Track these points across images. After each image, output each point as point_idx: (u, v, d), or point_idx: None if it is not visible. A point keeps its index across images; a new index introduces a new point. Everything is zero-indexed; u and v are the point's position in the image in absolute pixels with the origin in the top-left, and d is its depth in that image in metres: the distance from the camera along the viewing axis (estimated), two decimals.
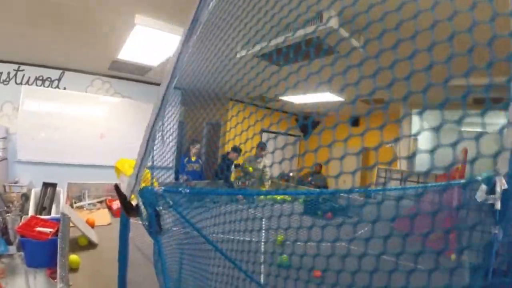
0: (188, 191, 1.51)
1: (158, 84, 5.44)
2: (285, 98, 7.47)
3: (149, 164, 1.62)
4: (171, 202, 1.50)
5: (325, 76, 1.27)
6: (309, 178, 8.82)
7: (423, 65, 0.95)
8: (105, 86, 7.89)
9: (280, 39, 3.09)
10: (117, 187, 1.75)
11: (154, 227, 1.51)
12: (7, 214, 3.37)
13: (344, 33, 3.64)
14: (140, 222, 1.62)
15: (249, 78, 1.64)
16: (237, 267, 2.31)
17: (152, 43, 4.83)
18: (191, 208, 1.90)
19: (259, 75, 1.54)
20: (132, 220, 2.02)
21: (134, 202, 1.60)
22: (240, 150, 6.34)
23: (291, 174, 8.96)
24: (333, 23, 3.37)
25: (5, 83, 6.81)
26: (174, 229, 1.82)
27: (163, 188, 1.49)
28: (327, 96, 6.83)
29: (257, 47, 1.25)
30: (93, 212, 4.95)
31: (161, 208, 1.50)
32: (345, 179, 1.36)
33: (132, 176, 1.57)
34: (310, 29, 3.59)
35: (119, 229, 2.13)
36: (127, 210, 1.65)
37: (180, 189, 1.54)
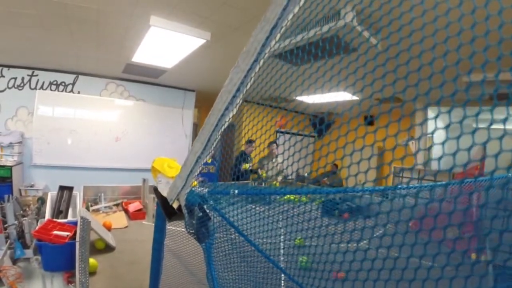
0: (236, 191, 1.46)
1: (172, 87, 5.41)
2: (300, 98, 7.40)
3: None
4: (212, 203, 1.47)
5: (342, 74, 1.27)
6: (325, 179, 8.72)
7: (437, 62, 0.94)
8: (119, 90, 7.85)
9: (298, 38, 3.03)
10: (156, 190, 1.69)
11: (202, 232, 1.46)
12: (24, 218, 3.28)
13: (360, 29, 3.55)
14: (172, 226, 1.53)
15: (264, 78, 1.54)
16: (278, 268, 2.24)
17: (166, 44, 4.80)
18: (234, 210, 1.81)
19: (275, 75, 1.49)
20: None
21: (175, 206, 1.55)
22: (253, 141, 6.28)
23: (306, 174, 8.86)
24: (350, 20, 3.37)
25: (19, 88, 6.79)
26: (217, 235, 1.75)
27: (207, 189, 1.45)
28: (342, 96, 6.74)
29: (274, 47, 1.20)
30: (110, 215, 4.96)
31: (208, 211, 1.45)
32: (361, 179, 1.29)
33: (179, 177, 1.48)
34: (326, 27, 3.52)
35: (147, 234, 2.08)
36: (169, 214, 1.58)
37: (226, 190, 1.48)
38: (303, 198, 3.52)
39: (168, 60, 5.72)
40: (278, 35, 1.16)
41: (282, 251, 2.78)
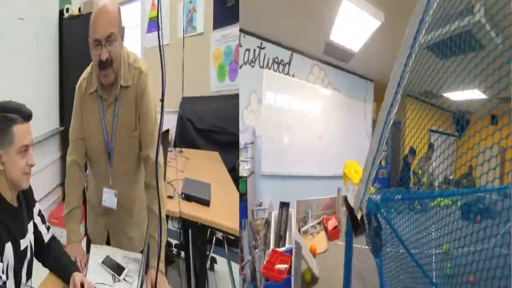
0: (400, 196, 1.45)
1: (357, 75, 5.71)
2: (446, 94, 6.22)
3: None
4: (384, 212, 1.37)
5: (476, 72, 1.34)
6: (464, 180, 8.31)
7: None
8: (321, 75, 6.16)
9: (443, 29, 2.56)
10: (345, 200, 1.61)
11: (376, 243, 1.36)
12: (255, 251, 3.05)
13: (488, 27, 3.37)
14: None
15: (421, 70, 1.55)
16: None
17: (355, 24, 4.50)
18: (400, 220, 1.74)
19: (429, 68, 1.50)
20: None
21: (359, 216, 1.44)
22: (415, 152, 5.73)
23: (450, 177, 8.46)
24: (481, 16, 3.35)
25: (251, 64, 4.98)
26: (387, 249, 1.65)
27: (379, 196, 1.37)
28: (475, 94, 6.03)
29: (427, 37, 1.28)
30: (314, 237, 4.61)
31: (382, 220, 1.36)
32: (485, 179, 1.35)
33: (361, 182, 1.39)
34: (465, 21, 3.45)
35: (340, 257, 1.86)
36: (354, 227, 1.47)
37: (392, 196, 1.43)
38: (446, 201, 3.40)
39: (355, 41, 5.29)
40: (424, 30, 1.17)
41: (433, 261, 2.68)
